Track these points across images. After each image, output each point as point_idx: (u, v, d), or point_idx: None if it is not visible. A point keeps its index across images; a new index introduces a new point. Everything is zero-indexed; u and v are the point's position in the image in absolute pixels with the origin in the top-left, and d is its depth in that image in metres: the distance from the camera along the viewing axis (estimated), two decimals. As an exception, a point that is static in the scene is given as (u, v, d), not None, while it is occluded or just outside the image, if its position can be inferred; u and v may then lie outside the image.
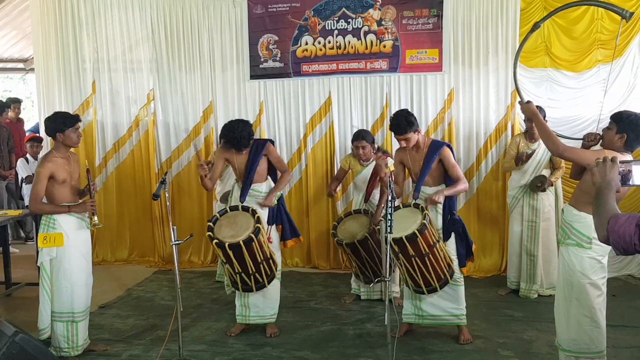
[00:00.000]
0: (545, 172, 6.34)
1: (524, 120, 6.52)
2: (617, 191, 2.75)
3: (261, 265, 5.17)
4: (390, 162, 6.10)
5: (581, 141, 4.53)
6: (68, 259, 4.93)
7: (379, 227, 5.83)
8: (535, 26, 4.92)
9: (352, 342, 5.41)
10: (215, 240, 5.03)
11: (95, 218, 4.98)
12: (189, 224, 7.90)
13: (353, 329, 5.71)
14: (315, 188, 7.80)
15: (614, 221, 2.57)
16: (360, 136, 6.29)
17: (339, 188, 7.48)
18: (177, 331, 4.80)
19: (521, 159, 6.28)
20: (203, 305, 6.49)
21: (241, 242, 4.99)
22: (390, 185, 4.50)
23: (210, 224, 5.25)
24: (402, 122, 5.08)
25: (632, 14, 4.78)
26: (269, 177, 5.69)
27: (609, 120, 4.23)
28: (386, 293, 4.53)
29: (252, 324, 5.59)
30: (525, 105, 4.47)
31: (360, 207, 6.40)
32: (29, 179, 8.12)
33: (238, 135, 5.37)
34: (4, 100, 9.78)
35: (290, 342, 5.42)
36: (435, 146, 5.21)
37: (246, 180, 5.53)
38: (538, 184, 6.26)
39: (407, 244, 4.80)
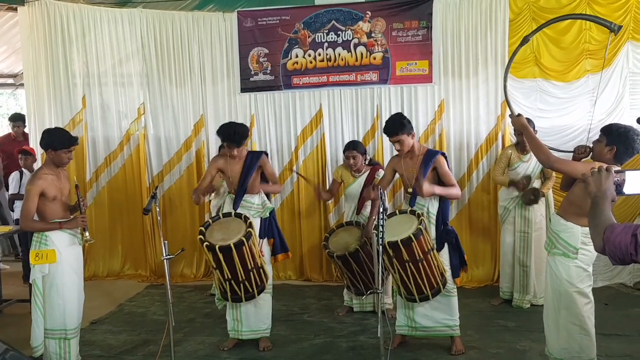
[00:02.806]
0: (537, 184, 6.35)
1: (516, 134, 6.54)
2: (613, 201, 2.76)
3: (251, 273, 5.14)
4: (382, 173, 6.14)
5: (571, 154, 4.56)
6: (60, 276, 4.89)
7: (371, 236, 5.83)
8: (525, 40, 4.95)
9: (345, 354, 5.40)
10: (206, 243, 5.02)
11: (87, 234, 4.97)
12: (180, 237, 7.87)
13: (346, 341, 5.69)
14: (307, 201, 7.79)
15: (610, 231, 2.58)
16: (352, 146, 6.32)
17: (330, 201, 7.48)
18: (169, 346, 4.76)
19: (517, 187, 6.30)
20: (195, 319, 6.46)
21: (232, 245, 4.97)
22: (381, 197, 4.51)
23: (202, 228, 5.25)
24: (395, 123, 5.16)
25: (620, 27, 4.81)
26: (261, 190, 5.68)
27: (599, 132, 4.27)
28: (379, 305, 4.53)
29: (245, 339, 5.57)
30: (516, 119, 4.52)
31: (352, 219, 6.40)
32: (14, 197, 7.99)
33: (234, 130, 5.37)
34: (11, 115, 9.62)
35: (283, 356, 5.41)
36: (430, 154, 5.25)
37: (240, 190, 5.52)
38: (531, 197, 6.25)
39: (402, 248, 4.80)
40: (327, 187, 7.02)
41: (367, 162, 6.41)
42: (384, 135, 7.34)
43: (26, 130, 9.02)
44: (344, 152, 6.42)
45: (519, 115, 4.55)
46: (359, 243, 5.97)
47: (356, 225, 6.28)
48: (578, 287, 4.23)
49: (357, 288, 6.17)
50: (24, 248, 7.26)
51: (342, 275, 6.30)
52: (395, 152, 5.42)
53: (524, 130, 4.52)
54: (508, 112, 4.92)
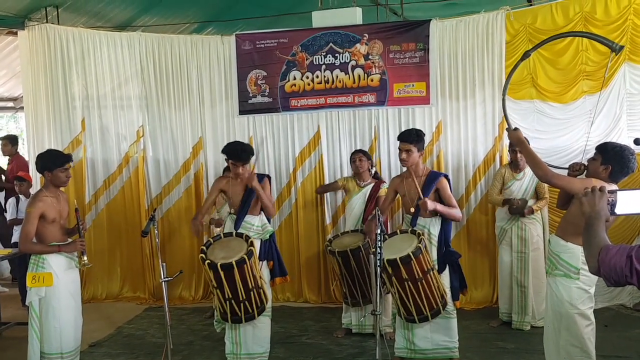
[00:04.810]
0: (531, 203, 6.36)
1: (509, 151, 6.56)
2: (607, 221, 2.76)
3: (252, 293, 5.13)
4: (384, 186, 6.19)
5: (567, 171, 4.56)
6: (57, 299, 4.90)
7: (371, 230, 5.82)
8: (525, 55, 4.99)
9: (344, 377, 5.38)
10: (208, 261, 5.01)
11: (85, 258, 4.97)
12: (179, 259, 7.86)
13: (345, 364, 5.67)
14: (306, 222, 7.79)
15: (605, 252, 2.57)
16: (359, 150, 6.61)
17: (329, 221, 7.48)
18: (167, 369, 4.76)
19: (511, 205, 6.30)
20: (194, 342, 6.43)
21: (233, 263, 4.97)
22: (379, 219, 4.52)
23: (204, 247, 5.27)
24: (412, 131, 5.29)
25: (622, 47, 4.84)
26: (262, 212, 5.70)
27: (595, 151, 4.28)
28: (377, 326, 4.52)
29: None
30: (512, 133, 4.50)
31: (357, 228, 6.42)
32: (12, 222, 7.98)
33: (241, 147, 5.48)
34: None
35: (282, 379, 5.39)
36: (433, 176, 5.29)
37: (241, 210, 5.55)
38: (514, 206, 6.27)
39: (401, 266, 4.79)
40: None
41: (372, 175, 6.47)
42: (382, 156, 7.46)
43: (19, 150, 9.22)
44: (351, 156, 6.58)
45: (516, 129, 4.51)
46: (361, 243, 5.97)
47: (361, 232, 6.30)
48: (579, 308, 4.20)
49: (353, 297, 6.12)
50: (23, 271, 7.23)
51: (341, 281, 6.22)
52: (395, 174, 5.44)
53: (520, 145, 4.49)
54: (506, 127, 4.92)
